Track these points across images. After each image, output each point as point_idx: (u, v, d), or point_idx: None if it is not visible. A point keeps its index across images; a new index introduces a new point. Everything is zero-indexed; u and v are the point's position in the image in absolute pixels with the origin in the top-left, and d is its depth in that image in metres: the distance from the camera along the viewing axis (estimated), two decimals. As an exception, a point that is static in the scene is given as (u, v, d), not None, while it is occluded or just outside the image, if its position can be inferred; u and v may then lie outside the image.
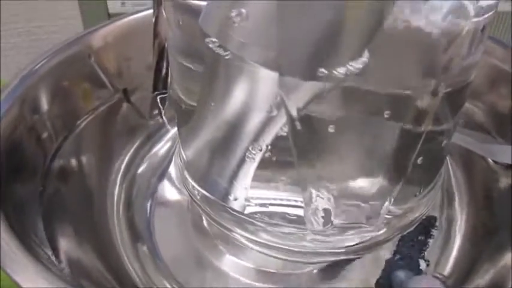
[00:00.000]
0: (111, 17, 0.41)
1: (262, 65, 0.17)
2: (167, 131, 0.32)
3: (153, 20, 0.26)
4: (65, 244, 0.23)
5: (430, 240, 0.24)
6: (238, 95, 0.18)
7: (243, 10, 0.16)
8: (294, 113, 0.17)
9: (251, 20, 0.16)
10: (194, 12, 0.18)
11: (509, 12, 0.39)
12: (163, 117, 0.32)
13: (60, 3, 0.65)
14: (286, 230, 0.21)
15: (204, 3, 0.18)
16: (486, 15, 0.18)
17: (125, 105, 0.31)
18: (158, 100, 0.32)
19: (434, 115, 0.19)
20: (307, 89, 0.16)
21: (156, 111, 0.32)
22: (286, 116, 0.17)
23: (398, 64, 0.18)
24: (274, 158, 0.20)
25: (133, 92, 0.32)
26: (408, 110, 0.19)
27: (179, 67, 0.22)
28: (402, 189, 0.21)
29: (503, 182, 0.26)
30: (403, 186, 0.20)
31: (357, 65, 0.16)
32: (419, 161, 0.21)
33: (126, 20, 0.32)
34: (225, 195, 0.22)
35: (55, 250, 0.21)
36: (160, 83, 0.30)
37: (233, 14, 0.16)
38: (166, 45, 0.26)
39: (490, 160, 0.26)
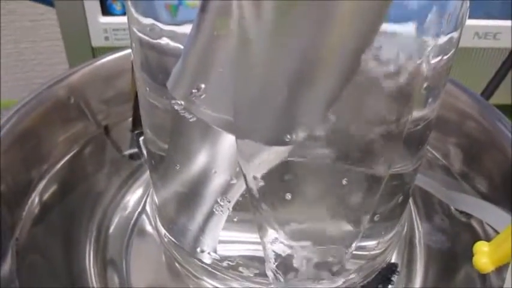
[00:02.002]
0: (94, 50, 0.42)
1: (225, 130, 0.18)
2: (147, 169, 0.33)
3: (132, 57, 0.27)
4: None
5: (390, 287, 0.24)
6: (200, 158, 0.19)
7: (202, 85, 0.17)
8: (252, 183, 0.17)
9: (209, 93, 0.17)
10: (158, 51, 0.19)
11: (509, 49, 0.40)
12: (143, 154, 0.33)
13: (45, 27, 0.66)
14: (252, 281, 0.22)
15: (169, 43, 0.18)
16: (445, 56, 0.19)
17: (104, 144, 0.32)
18: (140, 139, 0.33)
19: (397, 158, 0.20)
20: (265, 158, 0.17)
21: (135, 150, 0.33)
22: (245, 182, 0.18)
23: (361, 112, 0.18)
24: (242, 212, 0.20)
25: (114, 129, 0.33)
26: (369, 157, 0.19)
27: (147, 106, 0.22)
28: (364, 237, 0.21)
29: (463, 228, 0.27)
30: (364, 235, 0.21)
31: (322, 125, 0.17)
32: (379, 210, 0.21)
33: (106, 59, 0.33)
34: (193, 246, 0.22)
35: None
36: (139, 121, 0.31)
37: (193, 88, 0.17)
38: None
39: (451, 206, 0.27)
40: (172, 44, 0.18)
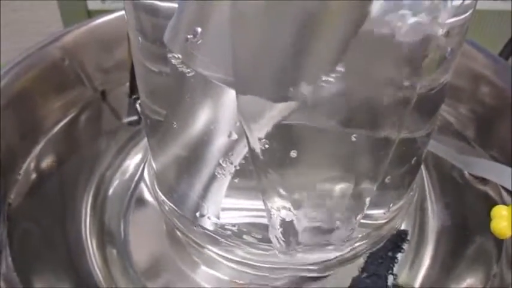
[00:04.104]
0: (90, 14, 0.40)
1: (224, 84, 0.17)
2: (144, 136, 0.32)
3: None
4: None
5: (400, 255, 0.23)
6: (200, 116, 0.18)
7: (198, 29, 0.15)
8: (255, 144, 0.16)
9: (206, 38, 0.15)
10: (153, 13, 0.18)
11: (510, 12, 0.38)
12: (142, 119, 0.32)
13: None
14: (255, 247, 0.21)
15: (162, 3, 0.17)
16: (462, 16, 0.17)
17: (101, 109, 0.31)
18: (137, 104, 0.32)
19: (408, 122, 0.19)
20: (267, 116, 0.16)
21: (134, 116, 0.32)
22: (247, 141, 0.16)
23: (371, 72, 0.17)
24: (245, 177, 0.19)
25: (111, 94, 0.32)
26: (379, 120, 0.18)
27: (142, 69, 0.21)
28: (372, 204, 0.20)
29: (478, 194, 0.26)
30: (374, 200, 0.20)
31: (330, 79, 0.15)
32: (389, 175, 0.20)
33: (102, 20, 0.31)
34: (194, 212, 0.21)
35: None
36: (137, 86, 0.30)
37: (190, 33, 0.15)
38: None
39: (465, 172, 0.26)
40: (165, 3, 0.17)
